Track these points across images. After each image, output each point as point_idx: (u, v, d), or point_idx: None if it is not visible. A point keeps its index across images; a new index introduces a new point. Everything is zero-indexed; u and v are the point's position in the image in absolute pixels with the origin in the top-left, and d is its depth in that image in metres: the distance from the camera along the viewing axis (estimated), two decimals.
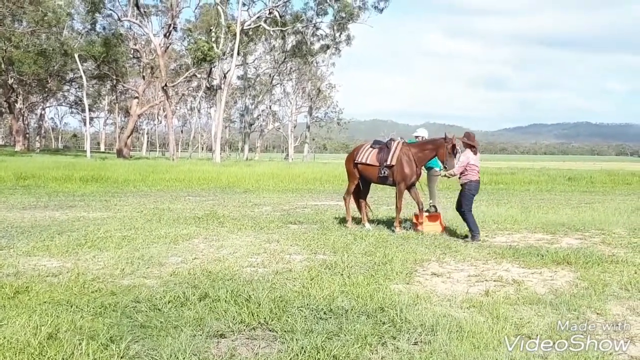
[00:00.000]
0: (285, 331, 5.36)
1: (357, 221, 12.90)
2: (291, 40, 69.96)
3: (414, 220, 12.28)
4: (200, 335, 5.25)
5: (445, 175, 11.78)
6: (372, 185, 13.42)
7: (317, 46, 70.09)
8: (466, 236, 11.28)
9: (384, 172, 11.99)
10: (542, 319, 5.93)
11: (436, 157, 12.02)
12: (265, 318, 5.71)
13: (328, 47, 70.13)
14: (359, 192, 12.94)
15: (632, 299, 6.78)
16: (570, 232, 12.10)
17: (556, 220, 13.52)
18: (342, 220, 13.08)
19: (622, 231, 12.26)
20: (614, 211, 15.70)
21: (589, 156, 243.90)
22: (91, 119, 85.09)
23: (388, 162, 11.95)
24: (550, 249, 9.92)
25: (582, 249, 9.93)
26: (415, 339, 5.25)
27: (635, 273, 8.10)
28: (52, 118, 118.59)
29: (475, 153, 11.41)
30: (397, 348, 5.02)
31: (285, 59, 74.08)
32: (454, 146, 11.51)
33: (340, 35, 66.99)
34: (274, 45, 73.92)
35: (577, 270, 8.35)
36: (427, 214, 12.20)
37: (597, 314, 6.18)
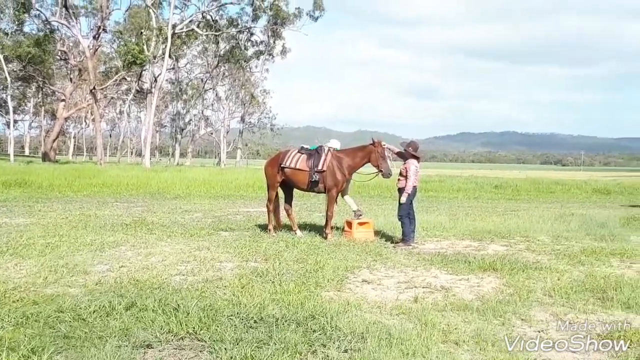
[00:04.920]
0: (214, 340, 5.27)
1: (286, 229, 12.82)
2: (224, 45, 69.44)
3: (345, 228, 12.34)
4: (126, 345, 5.10)
5: (384, 176, 11.86)
6: (304, 193, 13.46)
7: (251, 52, 69.80)
8: (397, 242, 11.45)
9: (316, 177, 11.98)
10: (469, 325, 6.04)
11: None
12: (194, 327, 5.60)
13: (262, 53, 69.89)
14: (286, 199, 12.90)
15: (555, 305, 6.98)
16: (497, 239, 12.42)
17: (483, 228, 13.85)
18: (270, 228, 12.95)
19: (546, 238, 12.67)
20: (538, 219, 16.19)
21: (515, 164, 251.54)
22: (15, 121, 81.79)
23: (319, 167, 11.95)
24: (477, 255, 10.15)
25: (507, 255, 10.21)
26: (345, 346, 5.24)
27: (558, 279, 8.35)
28: None
29: (419, 161, 11.66)
30: (327, 356, 5.01)
31: (218, 63, 73.51)
32: (383, 149, 11.70)
33: (274, 42, 66.86)
34: (206, 49, 73.27)
35: (502, 276, 8.55)
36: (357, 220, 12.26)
37: (522, 320, 6.33)
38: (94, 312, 6.02)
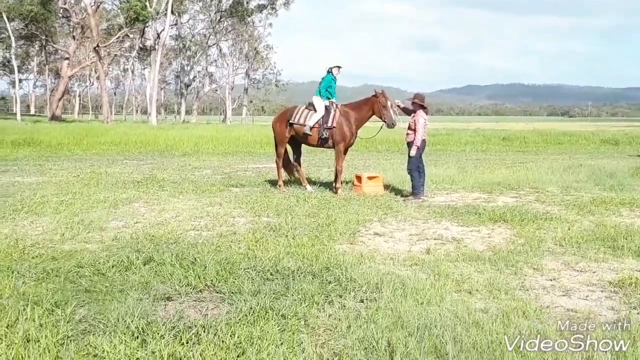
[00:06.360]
0: (232, 292, 5.37)
1: (297, 184, 12.88)
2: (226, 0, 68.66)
3: (355, 182, 12.39)
4: (147, 298, 5.20)
5: (389, 127, 11.87)
6: (310, 148, 13.56)
7: (253, 4, 69.03)
8: (407, 195, 11.50)
9: (325, 134, 12.01)
10: (482, 274, 6.12)
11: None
12: (211, 280, 5.71)
13: (264, 6, 69.11)
14: (294, 155, 12.95)
15: (566, 254, 7.05)
16: (506, 191, 12.47)
17: (492, 180, 13.88)
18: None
19: (555, 189, 12.71)
20: (547, 170, 16.20)
21: (521, 116, 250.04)
22: (20, 80, 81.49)
23: (329, 124, 11.97)
24: (487, 207, 10.21)
25: (517, 206, 10.26)
26: (361, 296, 5.33)
27: (569, 229, 8.41)
28: None
29: (427, 113, 11.63)
30: (344, 306, 5.10)
31: (220, 18, 72.72)
32: (386, 99, 11.68)
33: None
34: (208, 3, 72.44)
35: (513, 227, 8.63)
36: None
37: (534, 269, 6.41)
38: (113, 266, 6.13)
